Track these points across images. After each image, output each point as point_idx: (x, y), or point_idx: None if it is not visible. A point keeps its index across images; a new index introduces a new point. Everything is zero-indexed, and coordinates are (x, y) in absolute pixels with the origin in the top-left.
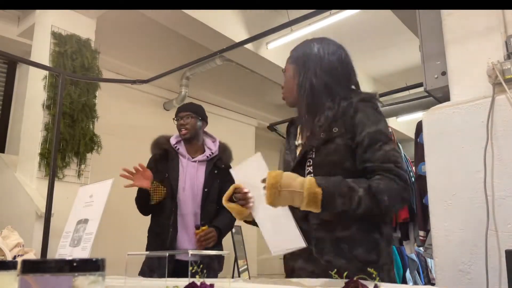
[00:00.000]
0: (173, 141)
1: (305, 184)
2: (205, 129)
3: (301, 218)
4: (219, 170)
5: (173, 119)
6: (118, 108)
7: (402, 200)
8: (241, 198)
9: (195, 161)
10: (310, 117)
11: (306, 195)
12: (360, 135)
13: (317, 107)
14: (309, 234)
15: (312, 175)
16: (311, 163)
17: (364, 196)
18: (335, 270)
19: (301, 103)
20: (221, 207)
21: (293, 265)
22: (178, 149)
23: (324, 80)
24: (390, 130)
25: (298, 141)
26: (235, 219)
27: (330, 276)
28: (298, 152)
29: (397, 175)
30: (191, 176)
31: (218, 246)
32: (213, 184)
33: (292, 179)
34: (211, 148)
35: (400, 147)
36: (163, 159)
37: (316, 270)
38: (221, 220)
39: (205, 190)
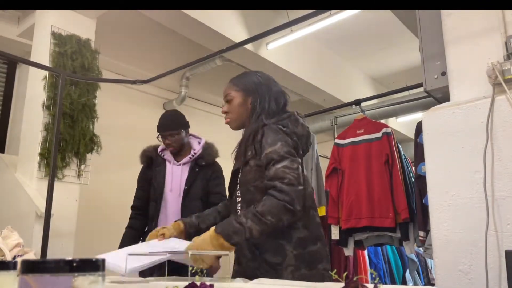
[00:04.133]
0: (160, 148)
1: (212, 240)
2: (192, 131)
3: None
4: (200, 167)
5: (157, 137)
6: (118, 108)
7: (286, 213)
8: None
9: (180, 164)
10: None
11: (217, 247)
12: (262, 156)
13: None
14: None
15: (239, 191)
16: (238, 181)
17: (252, 224)
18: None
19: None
20: (205, 203)
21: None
22: (164, 155)
23: (271, 107)
24: (391, 131)
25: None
26: (219, 215)
27: (251, 275)
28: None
29: (280, 191)
30: (177, 177)
31: None
32: (195, 181)
33: (200, 245)
34: (195, 148)
35: (400, 147)
36: (150, 167)
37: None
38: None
39: (186, 187)
